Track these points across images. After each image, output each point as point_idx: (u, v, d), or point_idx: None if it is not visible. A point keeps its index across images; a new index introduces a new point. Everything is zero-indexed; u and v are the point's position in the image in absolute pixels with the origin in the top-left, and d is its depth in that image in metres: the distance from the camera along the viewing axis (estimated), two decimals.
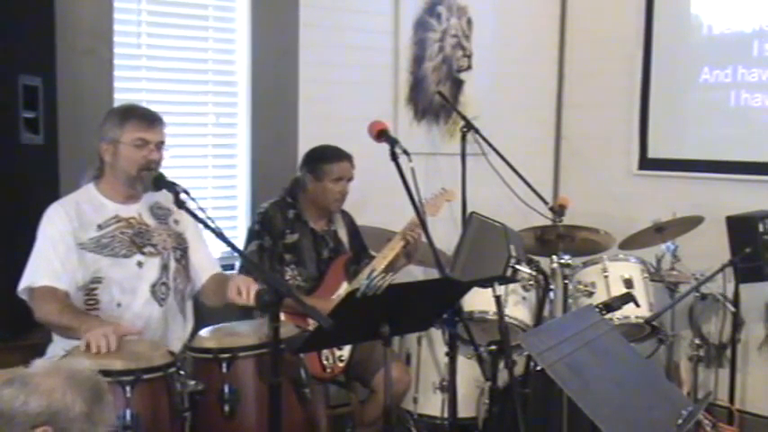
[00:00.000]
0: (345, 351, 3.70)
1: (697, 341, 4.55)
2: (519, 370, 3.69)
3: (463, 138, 4.44)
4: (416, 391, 4.10)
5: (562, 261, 4.25)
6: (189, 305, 3.24)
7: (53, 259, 2.92)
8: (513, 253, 3.12)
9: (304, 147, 4.04)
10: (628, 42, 5.21)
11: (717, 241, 4.30)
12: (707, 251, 4.42)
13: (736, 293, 4.25)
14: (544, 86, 5.55)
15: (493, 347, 3.42)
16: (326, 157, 3.82)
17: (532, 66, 5.47)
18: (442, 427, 4.05)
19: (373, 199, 4.42)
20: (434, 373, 4.10)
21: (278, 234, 3.72)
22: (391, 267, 3.80)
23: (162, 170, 3.03)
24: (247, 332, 2.87)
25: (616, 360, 2.47)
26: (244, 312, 3.41)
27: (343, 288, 3.77)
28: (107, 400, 1.94)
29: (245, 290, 2.89)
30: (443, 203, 4.06)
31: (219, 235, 2.76)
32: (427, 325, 3.47)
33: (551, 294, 4.25)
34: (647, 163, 5.21)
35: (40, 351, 3.00)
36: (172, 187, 2.89)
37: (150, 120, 3.05)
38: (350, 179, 3.84)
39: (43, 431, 1.82)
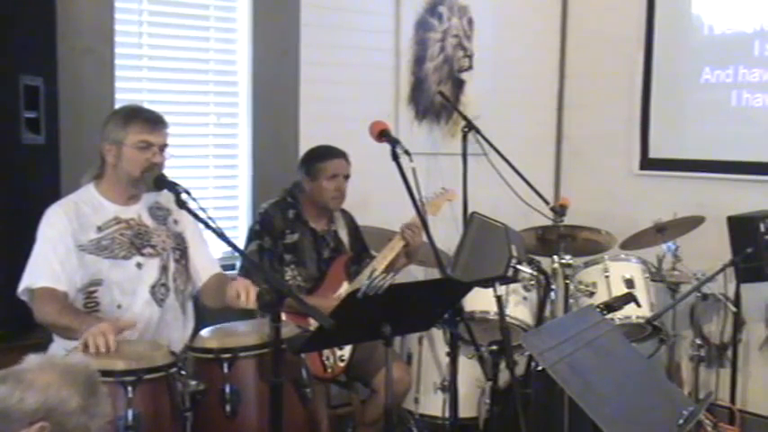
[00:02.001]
0: (346, 351, 3.70)
1: (698, 341, 4.54)
2: (520, 370, 3.69)
3: (464, 138, 4.44)
4: (417, 391, 4.10)
5: (563, 261, 4.25)
6: (189, 305, 3.23)
7: (52, 260, 2.92)
8: (515, 253, 3.12)
9: (305, 147, 4.04)
10: (629, 42, 5.21)
11: (718, 241, 4.30)
12: (708, 251, 4.42)
13: (738, 293, 4.25)
14: (545, 86, 5.55)
15: (494, 347, 3.42)
16: (320, 156, 3.82)
17: (534, 66, 5.47)
18: (443, 427, 4.05)
19: (374, 199, 4.42)
20: (435, 373, 4.10)
21: (278, 234, 3.73)
22: (392, 267, 3.80)
23: (163, 170, 3.03)
24: (248, 332, 2.87)
25: (617, 360, 2.47)
26: (245, 312, 3.41)
27: (344, 288, 3.78)
28: (102, 393, 1.94)
29: (245, 293, 2.89)
30: (444, 203, 4.06)
31: (220, 235, 2.76)
32: (428, 325, 3.47)
33: (552, 294, 4.26)
34: (648, 163, 5.20)
35: (40, 351, 2.99)
36: (173, 187, 2.89)
37: (154, 122, 3.05)
38: (346, 176, 3.83)
39: (41, 427, 1.82)
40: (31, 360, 1.94)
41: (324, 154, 3.83)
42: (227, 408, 2.71)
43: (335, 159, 3.81)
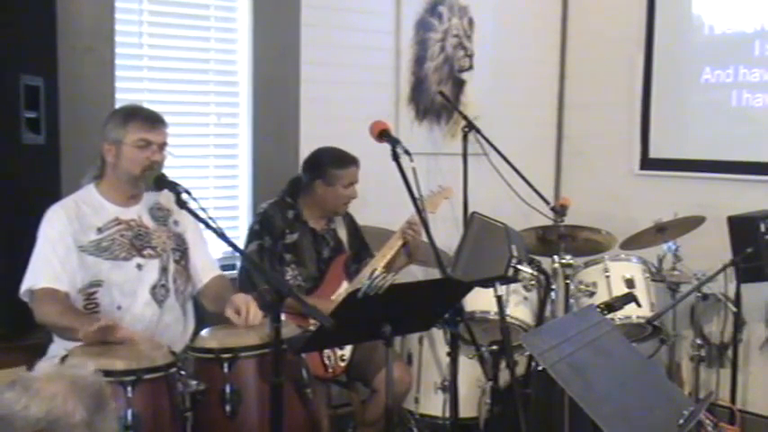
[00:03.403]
0: (347, 351, 3.70)
1: (698, 341, 4.54)
2: (520, 370, 3.70)
3: (464, 138, 4.45)
4: (418, 391, 4.10)
5: (563, 261, 4.25)
6: (190, 306, 3.23)
7: (53, 261, 2.92)
8: (515, 253, 3.12)
9: (305, 147, 4.04)
10: (629, 42, 5.21)
11: (718, 241, 4.29)
12: (708, 251, 4.42)
13: (738, 293, 4.24)
14: (546, 86, 5.55)
15: (494, 347, 3.43)
16: (338, 163, 3.79)
17: (534, 66, 5.47)
18: (444, 427, 4.05)
19: (374, 199, 4.42)
20: (436, 373, 4.10)
21: (278, 234, 3.73)
22: (391, 266, 3.80)
23: (163, 170, 3.03)
24: (249, 332, 2.87)
25: (617, 360, 2.47)
26: None
27: (344, 287, 3.78)
28: (110, 408, 1.93)
29: (245, 310, 2.89)
30: (442, 200, 4.06)
31: (221, 235, 2.76)
32: (429, 325, 3.47)
33: (553, 294, 4.26)
34: (648, 163, 5.20)
35: (41, 351, 3.00)
36: (173, 187, 2.89)
37: (153, 121, 3.05)
38: (356, 183, 3.85)
39: None
40: (42, 368, 1.95)
41: (342, 161, 3.80)
42: (228, 408, 2.71)
43: (352, 167, 3.81)
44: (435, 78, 4.94)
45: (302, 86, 4.35)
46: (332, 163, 3.81)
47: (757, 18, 4.72)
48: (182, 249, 3.19)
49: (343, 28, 4.57)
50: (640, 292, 4.13)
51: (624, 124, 5.27)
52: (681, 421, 2.29)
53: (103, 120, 3.10)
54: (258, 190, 4.27)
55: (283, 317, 2.67)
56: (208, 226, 2.79)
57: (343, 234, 3.95)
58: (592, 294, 4.23)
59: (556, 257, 4.26)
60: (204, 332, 2.96)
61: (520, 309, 3.96)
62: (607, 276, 4.23)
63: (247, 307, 2.90)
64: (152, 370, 2.58)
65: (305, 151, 3.97)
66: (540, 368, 3.45)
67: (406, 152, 3.13)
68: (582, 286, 4.27)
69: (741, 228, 4.19)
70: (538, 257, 4.22)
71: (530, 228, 4.42)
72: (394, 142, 3.15)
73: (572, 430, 3.57)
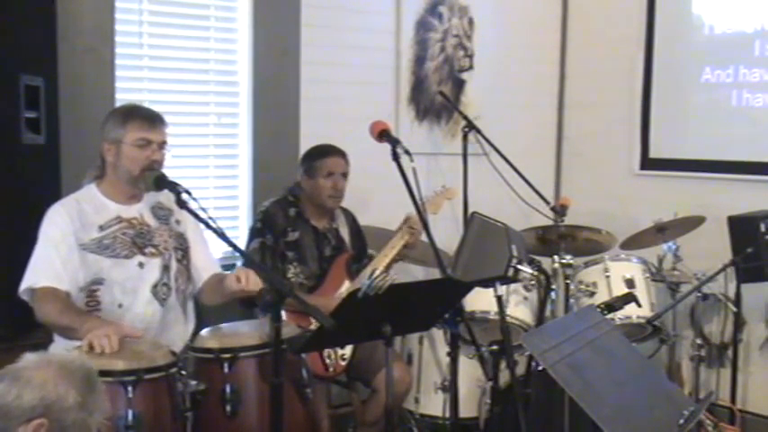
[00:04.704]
0: (347, 351, 3.70)
1: (698, 341, 4.54)
2: (520, 370, 3.69)
3: (465, 138, 4.45)
4: (418, 391, 4.10)
5: (564, 261, 4.25)
6: (190, 305, 3.23)
7: (54, 260, 2.92)
8: (515, 253, 3.12)
9: (305, 146, 4.04)
10: (629, 42, 5.21)
11: (718, 241, 4.30)
12: (708, 251, 4.42)
13: (738, 293, 4.24)
14: (546, 86, 5.55)
15: (494, 347, 3.42)
16: (317, 154, 3.83)
17: (534, 65, 5.47)
18: (444, 426, 4.05)
19: (374, 199, 4.42)
20: (436, 372, 4.10)
21: (280, 232, 3.73)
22: (391, 266, 3.80)
23: (163, 170, 3.03)
24: (249, 332, 2.88)
25: (618, 360, 2.47)
26: (245, 312, 3.42)
27: (345, 287, 3.78)
28: (100, 389, 1.94)
29: (245, 276, 2.89)
30: (444, 201, 4.06)
31: (221, 235, 2.76)
32: (429, 325, 3.47)
33: (553, 294, 4.27)
34: (648, 163, 5.20)
35: (40, 351, 2.99)
36: (173, 187, 2.89)
37: (153, 120, 3.05)
38: (344, 174, 3.83)
39: (39, 424, 1.82)
40: (29, 358, 1.95)
41: (321, 152, 3.83)
42: (228, 408, 2.71)
43: (332, 157, 3.81)
44: (435, 78, 4.94)
45: (302, 86, 4.35)
46: (312, 155, 3.84)
47: (757, 18, 4.72)
48: (183, 249, 3.19)
49: (343, 28, 4.57)
50: (640, 292, 4.13)
51: (624, 124, 5.27)
52: (681, 421, 2.29)
53: (102, 119, 3.10)
54: (258, 190, 4.27)
55: (284, 316, 2.67)
56: (208, 226, 2.79)
57: (345, 233, 3.95)
58: (592, 294, 4.22)
59: (556, 257, 4.27)
60: (204, 332, 2.96)
61: (520, 309, 3.95)
62: (607, 276, 4.23)
63: (247, 275, 2.90)
64: (152, 370, 2.58)
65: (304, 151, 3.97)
66: (540, 368, 3.44)
67: (407, 152, 3.13)
68: (582, 286, 4.27)
69: (741, 228, 4.19)
70: (538, 257, 4.22)
71: (530, 228, 4.43)
72: (394, 142, 3.15)
73: (572, 430, 3.57)
